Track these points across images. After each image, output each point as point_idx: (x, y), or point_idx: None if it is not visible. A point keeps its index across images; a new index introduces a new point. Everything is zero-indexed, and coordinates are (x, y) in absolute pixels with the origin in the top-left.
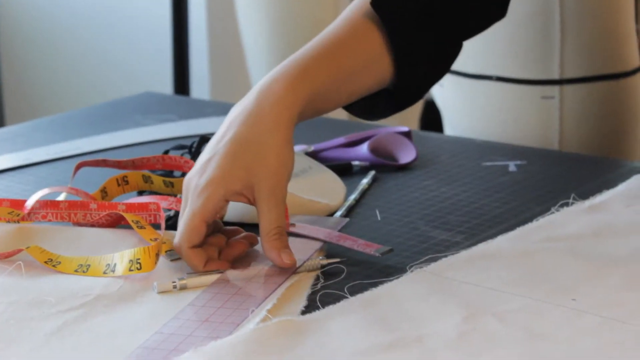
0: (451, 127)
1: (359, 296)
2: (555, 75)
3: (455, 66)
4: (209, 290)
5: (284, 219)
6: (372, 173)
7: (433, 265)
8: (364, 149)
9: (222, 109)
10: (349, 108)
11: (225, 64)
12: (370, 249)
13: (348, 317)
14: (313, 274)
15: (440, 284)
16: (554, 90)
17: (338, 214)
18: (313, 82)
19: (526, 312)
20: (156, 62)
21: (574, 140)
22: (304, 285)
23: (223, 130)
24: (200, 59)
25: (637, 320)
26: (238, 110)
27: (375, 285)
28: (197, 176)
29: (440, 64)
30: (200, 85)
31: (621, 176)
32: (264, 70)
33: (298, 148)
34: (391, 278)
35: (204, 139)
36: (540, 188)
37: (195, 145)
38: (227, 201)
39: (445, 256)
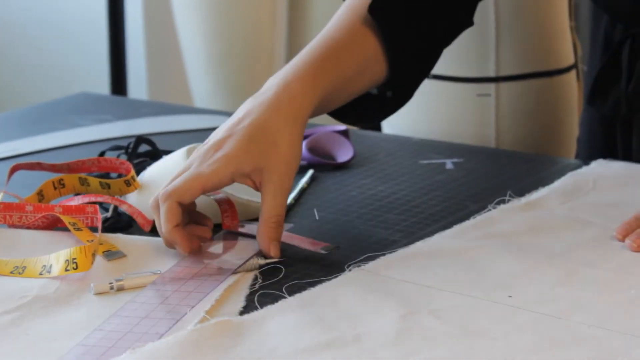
0: (389, 125)
1: (297, 296)
2: (491, 73)
3: None
4: (150, 287)
5: (285, 210)
6: (310, 172)
7: (371, 264)
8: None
9: (159, 109)
10: (342, 118)
11: (162, 64)
12: (317, 247)
13: (286, 316)
14: (251, 274)
15: (378, 283)
16: (490, 87)
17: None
18: (324, 85)
19: (462, 310)
20: (93, 63)
21: (510, 138)
22: (242, 285)
23: (240, 116)
24: (137, 59)
25: (571, 316)
26: (257, 102)
27: (313, 284)
28: (212, 149)
29: (424, 73)
30: (137, 85)
31: (556, 173)
32: (202, 70)
33: None
34: (329, 277)
35: (140, 140)
36: (476, 185)
37: (132, 146)
38: (232, 180)
39: (383, 255)
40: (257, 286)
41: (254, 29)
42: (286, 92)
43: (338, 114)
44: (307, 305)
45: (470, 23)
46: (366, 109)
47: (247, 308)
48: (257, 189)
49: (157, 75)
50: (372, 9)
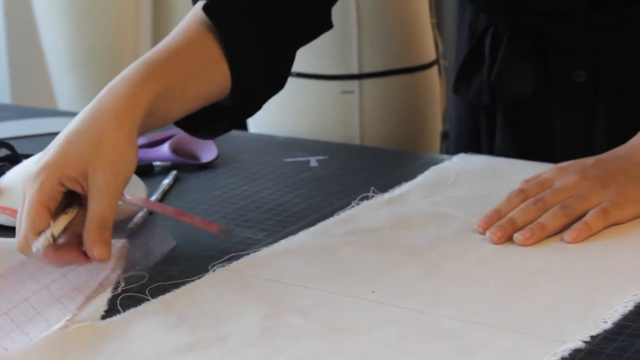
0: (255, 124)
1: (160, 298)
2: (354, 70)
3: None
4: (19, 278)
5: (112, 214)
6: (173, 173)
7: (234, 263)
8: (164, 148)
9: (21, 113)
10: (183, 126)
11: (25, 66)
12: (211, 227)
13: (149, 319)
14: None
15: (241, 282)
16: (354, 84)
17: (140, 214)
18: (155, 86)
19: (327, 307)
20: None
21: (375, 134)
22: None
23: (67, 126)
24: None
25: (433, 309)
26: (84, 110)
27: (177, 286)
28: (35, 165)
29: (275, 74)
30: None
31: (419, 168)
32: (65, 72)
33: None
34: (193, 278)
35: (1, 144)
36: (341, 182)
37: None
38: (63, 186)
39: (247, 254)
40: (119, 290)
41: (117, 29)
42: (110, 95)
43: (188, 128)
44: (170, 308)
45: (329, 26)
46: (214, 120)
47: (110, 312)
48: (84, 193)
49: (19, 78)
50: (206, 7)
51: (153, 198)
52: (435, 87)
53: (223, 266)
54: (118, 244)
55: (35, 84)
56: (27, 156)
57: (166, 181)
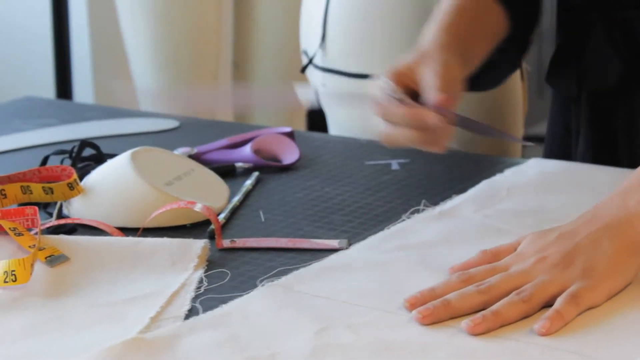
0: (335, 126)
1: (209, 313)
2: None
3: (337, 65)
4: None
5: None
6: (255, 174)
7: (284, 278)
8: (247, 150)
9: (104, 113)
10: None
11: (108, 67)
12: (330, 243)
13: (198, 335)
14: (197, 277)
15: (291, 298)
16: None
17: (222, 215)
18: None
19: (379, 324)
20: (37, 66)
21: (456, 138)
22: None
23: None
24: (82, 63)
25: (498, 333)
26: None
27: (225, 300)
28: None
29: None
30: (83, 89)
31: (501, 172)
32: (148, 73)
33: (181, 151)
34: (242, 293)
35: (84, 144)
36: (422, 186)
37: (76, 150)
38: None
39: (297, 269)
40: (202, 289)
41: (199, 32)
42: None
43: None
44: (219, 324)
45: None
46: (491, 72)
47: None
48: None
49: (103, 79)
50: None
51: (235, 199)
52: (517, 91)
53: (272, 281)
54: (200, 243)
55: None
56: (111, 156)
57: (248, 182)
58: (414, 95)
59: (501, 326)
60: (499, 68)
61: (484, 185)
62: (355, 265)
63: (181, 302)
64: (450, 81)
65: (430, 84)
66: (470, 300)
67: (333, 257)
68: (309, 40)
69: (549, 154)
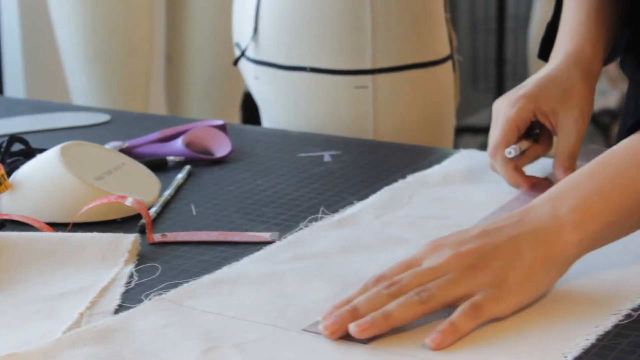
0: (268, 119)
1: (92, 327)
2: (368, 65)
3: (269, 58)
4: None
5: (578, 148)
6: (187, 168)
7: (173, 292)
8: (178, 143)
9: (35, 107)
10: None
11: (39, 61)
12: (261, 235)
13: (77, 351)
14: (127, 272)
15: (179, 314)
16: (367, 80)
17: (153, 209)
18: (604, 40)
19: (268, 342)
20: None
21: (388, 129)
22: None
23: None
24: (13, 57)
25: (384, 345)
26: (552, 60)
27: (112, 312)
28: (507, 95)
29: None
30: (14, 84)
31: (433, 163)
32: (79, 66)
33: (111, 145)
34: (130, 305)
35: (13, 139)
36: (354, 177)
37: (5, 145)
38: (534, 117)
39: (187, 282)
40: (132, 284)
41: (131, 24)
42: (574, 57)
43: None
44: (101, 340)
45: None
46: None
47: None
48: (552, 128)
49: (34, 73)
50: None
51: (166, 193)
52: (449, 82)
53: (160, 294)
54: (130, 238)
55: (49, 79)
56: (41, 151)
57: (180, 176)
58: (534, 126)
59: (392, 328)
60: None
61: (384, 192)
62: (248, 278)
63: (111, 297)
64: (582, 133)
65: (564, 153)
66: (378, 302)
67: (225, 270)
68: (241, 32)
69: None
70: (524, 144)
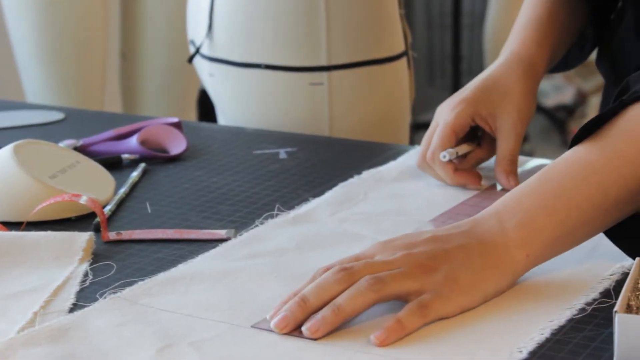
0: (224, 116)
1: (46, 326)
2: (323, 62)
3: (224, 55)
4: None
5: (518, 151)
6: (142, 166)
7: (128, 290)
8: (133, 141)
9: None
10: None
11: None
12: (217, 233)
13: (30, 351)
14: (83, 270)
15: (134, 312)
16: (323, 76)
17: (107, 208)
18: (548, 48)
19: (224, 340)
20: None
21: (344, 126)
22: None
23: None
24: None
25: (340, 341)
26: (495, 63)
27: (67, 311)
28: (449, 100)
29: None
30: None
31: (388, 159)
32: (33, 65)
33: (66, 143)
34: (85, 304)
35: None
36: (310, 174)
37: None
38: (473, 121)
39: (142, 280)
40: (87, 282)
41: (85, 22)
42: (516, 55)
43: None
44: (56, 339)
45: None
46: (571, 55)
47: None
48: (492, 132)
49: None
50: None
51: (121, 191)
52: (404, 78)
53: (115, 292)
54: (85, 236)
55: (2, 77)
56: None
57: (135, 174)
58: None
59: (345, 321)
60: (581, 49)
61: (340, 188)
62: (204, 276)
63: (66, 296)
64: (521, 136)
65: (505, 157)
66: (329, 290)
67: (181, 267)
68: (196, 29)
69: None
70: (463, 148)
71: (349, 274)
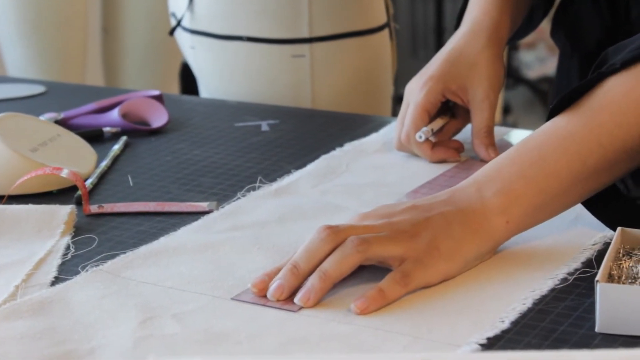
0: (206, 89)
1: (27, 299)
2: (305, 34)
3: (205, 27)
4: None
5: (494, 120)
6: (123, 139)
7: (110, 263)
8: (114, 114)
9: None
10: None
11: None
12: (199, 205)
13: (12, 324)
14: (64, 244)
15: (116, 285)
16: (304, 48)
17: (89, 181)
18: (510, 12)
19: (206, 311)
20: None
21: (326, 98)
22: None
23: (444, 48)
24: None
25: (321, 312)
26: (457, 33)
27: (49, 284)
28: (418, 77)
29: None
30: None
31: (370, 131)
32: (14, 39)
33: (47, 116)
34: (67, 277)
35: None
36: (292, 146)
37: None
38: (443, 97)
39: (124, 253)
40: (69, 255)
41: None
42: (478, 23)
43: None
44: (38, 312)
45: None
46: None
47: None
48: (465, 105)
49: None
50: None
51: (103, 164)
52: (386, 50)
53: (97, 265)
54: (67, 209)
55: None
56: None
57: (116, 147)
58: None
59: (331, 288)
60: (535, 17)
61: (322, 160)
62: (185, 248)
63: (47, 269)
64: (495, 104)
65: (481, 130)
66: (317, 252)
67: (163, 240)
68: (177, 2)
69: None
70: (437, 123)
71: (334, 231)
